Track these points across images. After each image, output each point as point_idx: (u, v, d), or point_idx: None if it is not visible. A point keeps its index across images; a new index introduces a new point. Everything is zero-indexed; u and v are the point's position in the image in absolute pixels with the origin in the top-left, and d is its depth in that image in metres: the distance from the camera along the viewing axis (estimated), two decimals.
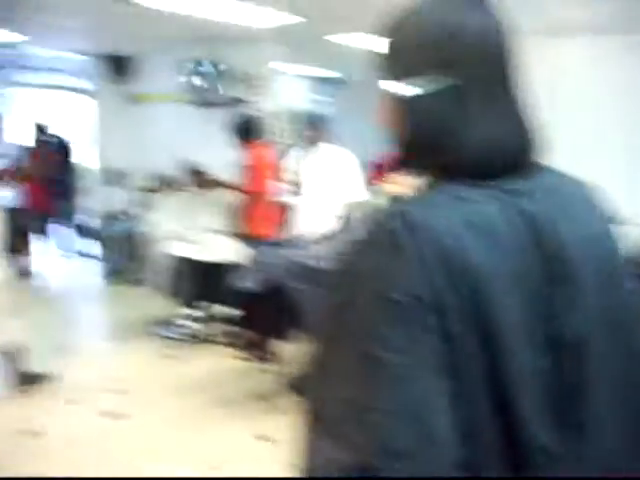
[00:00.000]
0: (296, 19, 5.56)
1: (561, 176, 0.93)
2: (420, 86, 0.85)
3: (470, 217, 0.79)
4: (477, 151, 0.84)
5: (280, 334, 3.68)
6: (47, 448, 3.24)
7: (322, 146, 4.69)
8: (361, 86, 11.01)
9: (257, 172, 4.81)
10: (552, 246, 0.82)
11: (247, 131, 4.99)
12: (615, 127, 5.15)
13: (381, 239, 0.79)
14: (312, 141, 4.66)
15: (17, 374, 3.91)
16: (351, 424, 0.75)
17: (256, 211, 4.82)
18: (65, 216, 7.85)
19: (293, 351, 3.92)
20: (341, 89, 10.42)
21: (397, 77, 0.88)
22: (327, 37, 6.63)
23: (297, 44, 6.52)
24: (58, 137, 8.36)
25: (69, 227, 8.07)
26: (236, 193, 4.96)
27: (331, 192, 4.53)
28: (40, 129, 7.96)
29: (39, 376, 3.99)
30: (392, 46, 0.89)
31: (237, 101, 6.52)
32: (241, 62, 6.59)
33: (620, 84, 5.12)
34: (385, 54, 0.90)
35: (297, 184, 4.67)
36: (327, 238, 3.74)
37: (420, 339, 0.74)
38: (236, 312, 4.64)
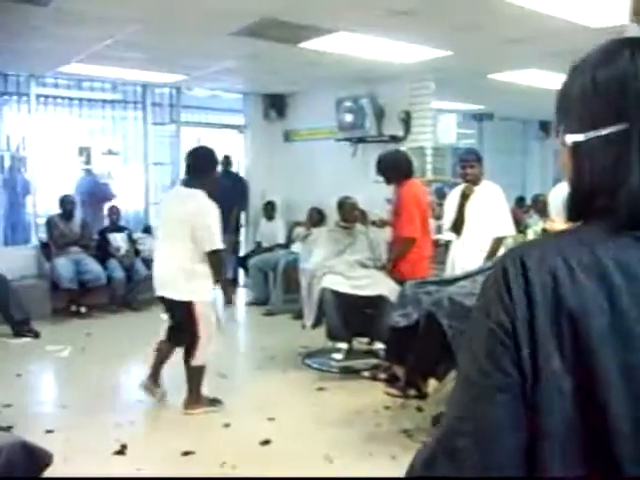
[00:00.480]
0: (445, 53, 5.61)
1: None
2: (588, 132, 0.87)
3: (588, 263, 0.83)
4: (636, 198, 0.83)
5: (430, 371, 3.63)
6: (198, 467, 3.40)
7: (483, 183, 4.66)
8: (505, 120, 10.91)
9: (407, 210, 4.66)
10: None
11: (400, 168, 4.86)
12: None
13: (497, 277, 0.85)
14: (474, 178, 4.63)
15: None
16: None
17: (409, 254, 4.68)
18: (231, 248, 7.78)
19: (441, 388, 3.87)
20: (486, 123, 10.29)
21: (567, 123, 0.92)
22: (489, 75, 6.65)
23: (450, 80, 6.56)
24: (236, 172, 8.61)
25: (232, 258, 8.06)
26: (390, 231, 4.96)
27: (486, 229, 4.49)
28: (227, 162, 8.23)
29: (214, 400, 4.20)
30: (563, 93, 0.94)
31: (392, 138, 6.62)
32: (396, 99, 6.69)
33: None
34: (557, 100, 0.94)
35: (457, 222, 4.64)
36: (474, 274, 3.68)
37: (506, 369, 0.82)
38: (382, 346, 4.68)
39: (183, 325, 4.06)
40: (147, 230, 7.94)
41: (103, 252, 7.16)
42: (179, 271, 3.93)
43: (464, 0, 4.06)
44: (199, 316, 3.95)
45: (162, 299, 4.13)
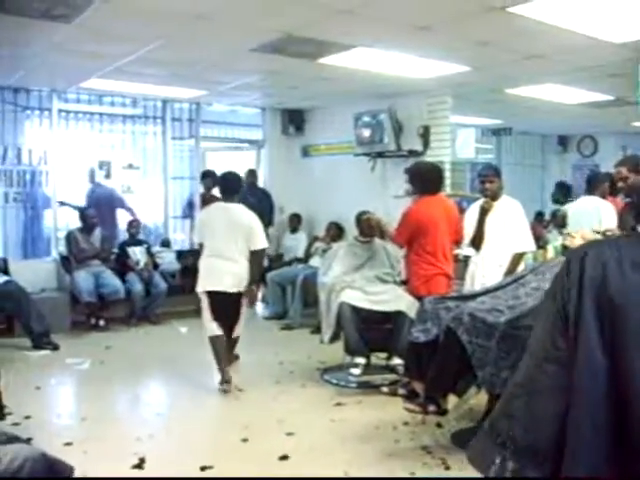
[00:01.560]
0: (463, 68, 5.62)
1: None
2: None
3: (637, 260, 0.99)
4: None
5: (450, 387, 3.61)
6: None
7: (502, 198, 4.65)
8: (523, 135, 10.90)
9: (426, 227, 4.58)
10: None
11: (430, 180, 4.73)
12: None
13: (562, 267, 1.05)
14: (493, 193, 4.61)
15: None
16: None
17: (423, 270, 4.63)
18: None
19: (461, 405, 3.84)
20: (505, 138, 10.28)
21: None
22: (507, 90, 6.66)
23: (468, 95, 6.57)
24: (262, 188, 8.60)
25: None
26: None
27: (505, 244, 4.47)
28: (252, 175, 8.33)
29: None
30: None
31: (410, 152, 6.63)
32: (414, 114, 6.70)
33: None
34: None
35: (476, 237, 4.61)
36: (494, 290, 3.66)
37: (556, 343, 1.00)
38: (399, 362, 4.65)
39: (238, 310, 4.99)
40: (166, 244, 7.99)
41: (122, 266, 7.21)
42: (244, 267, 4.81)
43: (483, 16, 4.07)
44: (243, 301, 4.97)
45: (217, 293, 4.84)
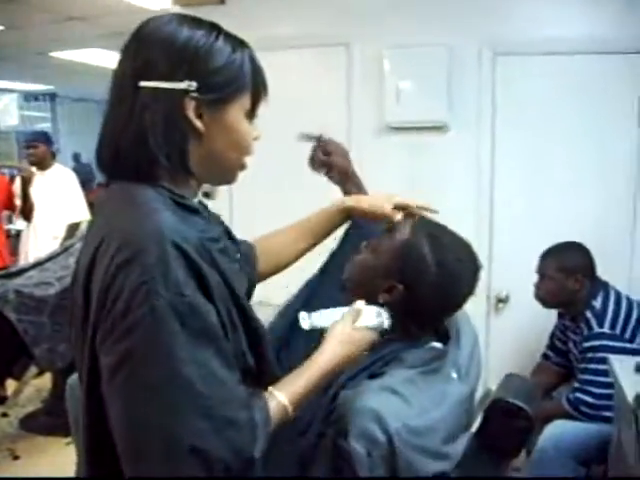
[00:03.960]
0: None
1: None
2: None
3: None
4: None
5: (6, 372, 3.34)
6: None
7: (50, 166, 4.43)
8: (79, 101, 10.65)
9: None
10: None
11: None
12: None
13: None
14: (40, 162, 4.36)
15: None
16: None
17: None
18: None
19: (22, 388, 3.61)
20: (60, 105, 9.91)
21: None
22: (51, 53, 6.35)
23: (8, 58, 6.11)
24: None
25: None
26: None
27: (57, 215, 4.30)
28: None
29: None
30: None
31: None
32: None
33: None
34: None
35: (25, 208, 4.31)
36: (44, 262, 3.51)
37: None
38: None
39: None
40: None
41: None
42: None
43: None
44: None
45: None
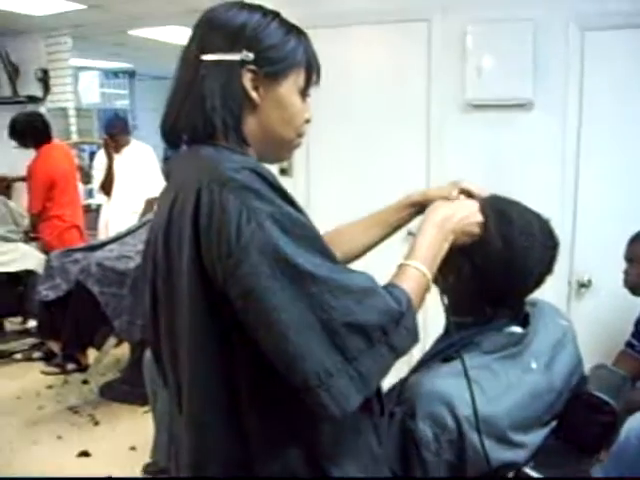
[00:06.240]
0: (78, 6, 5.30)
1: None
2: None
3: None
4: None
5: (88, 341, 3.48)
6: None
7: (129, 143, 4.54)
8: (157, 80, 10.83)
9: (32, 184, 4.29)
10: None
11: (36, 130, 4.33)
12: None
13: None
14: (119, 139, 4.47)
15: None
16: None
17: (53, 224, 4.36)
18: None
19: (102, 357, 3.75)
20: (138, 82, 10.11)
21: None
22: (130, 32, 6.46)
23: (89, 36, 6.24)
24: None
25: None
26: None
27: (136, 190, 4.40)
28: None
29: None
30: None
31: (30, 99, 6.02)
32: (32, 56, 6.10)
33: None
34: None
35: (105, 183, 4.45)
36: (123, 236, 3.61)
37: None
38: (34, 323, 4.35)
39: None
40: None
41: None
42: None
43: None
44: None
45: None
